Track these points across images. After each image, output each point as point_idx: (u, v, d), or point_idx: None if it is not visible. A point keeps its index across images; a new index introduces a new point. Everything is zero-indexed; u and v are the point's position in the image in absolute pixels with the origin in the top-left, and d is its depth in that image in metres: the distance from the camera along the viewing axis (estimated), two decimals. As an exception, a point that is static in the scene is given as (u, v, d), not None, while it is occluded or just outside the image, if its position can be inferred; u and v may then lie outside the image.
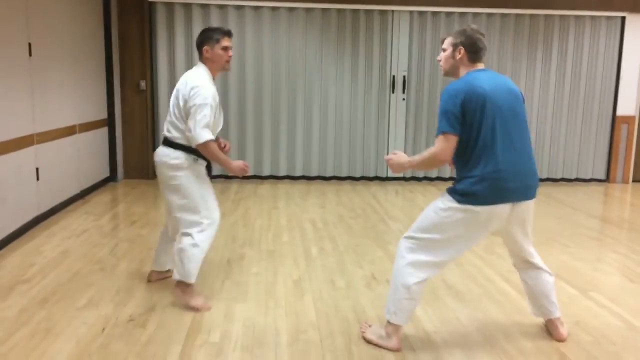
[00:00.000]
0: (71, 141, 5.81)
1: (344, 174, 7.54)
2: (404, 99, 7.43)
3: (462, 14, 7.30)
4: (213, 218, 3.33)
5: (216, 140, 3.37)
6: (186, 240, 3.25)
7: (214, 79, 3.33)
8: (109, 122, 6.95)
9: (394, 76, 7.38)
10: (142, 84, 7.13)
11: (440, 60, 2.85)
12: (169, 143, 3.32)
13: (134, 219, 5.36)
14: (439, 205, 2.76)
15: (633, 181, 7.85)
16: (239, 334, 2.99)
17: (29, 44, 4.82)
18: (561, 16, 7.40)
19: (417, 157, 2.77)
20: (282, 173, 7.49)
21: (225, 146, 3.54)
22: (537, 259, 2.96)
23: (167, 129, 3.33)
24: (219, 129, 3.43)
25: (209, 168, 3.48)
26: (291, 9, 7.19)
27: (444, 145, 2.64)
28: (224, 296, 3.49)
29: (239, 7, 7.14)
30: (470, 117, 2.62)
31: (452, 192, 2.73)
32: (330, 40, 7.28)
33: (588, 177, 7.80)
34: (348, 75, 7.36)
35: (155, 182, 7.15)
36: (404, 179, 7.60)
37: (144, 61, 7.11)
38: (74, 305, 3.30)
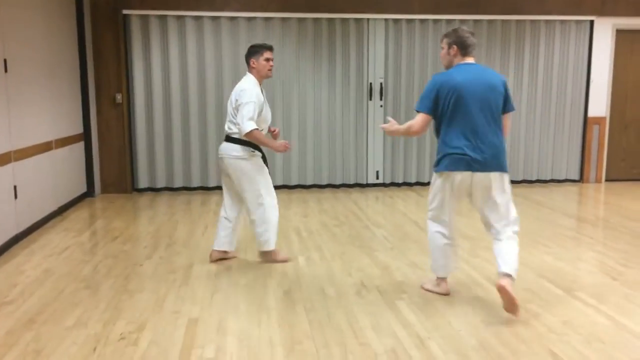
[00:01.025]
0: (48, 157, 5.71)
1: (324, 182, 7.56)
2: (381, 106, 7.49)
3: (435, 21, 7.41)
4: (271, 199, 4.17)
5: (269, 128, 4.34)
6: (253, 217, 4.18)
7: (260, 84, 4.14)
8: (85, 136, 6.85)
9: (371, 83, 7.45)
10: (118, 97, 7.05)
11: (441, 54, 3.56)
12: (230, 139, 4.13)
13: (115, 234, 5.28)
14: (431, 180, 3.62)
15: (606, 180, 8.04)
16: (233, 347, 2.97)
17: (5, 60, 4.73)
18: (532, 21, 7.57)
19: (400, 127, 3.73)
20: (262, 183, 7.46)
21: (275, 130, 4.43)
22: (501, 229, 3.43)
23: (228, 127, 4.14)
24: (269, 120, 4.29)
25: (264, 159, 4.25)
26: (267, 19, 7.20)
27: (417, 120, 3.55)
28: (215, 310, 3.46)
29: (214, 18, 7.12)
30: (442, 102, 3.40)
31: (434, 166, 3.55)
32: (307, 49, 7.31)
33: (562, 177, 7.97)
34: (326, 83, 7.40)
35: (133, 196, 7.09)
36: (383, 184, 7.66)
37: (120, 74, 7.03)
38: (62, 325, 3.24)
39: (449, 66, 3.50)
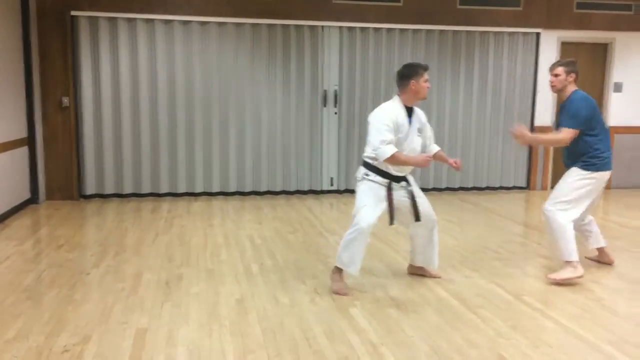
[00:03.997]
0: (-11, 162, 5.46)
1: (278, 189, 7.52)
2: (335, 113, 7.52)
3: (389, 30, 7.50)
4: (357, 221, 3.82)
5: None
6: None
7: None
8: (30, 140, 6.59)
9: (325, 90, 7.46)
10: (65, 100, 6.82)
11: (553, 82, 4.19)
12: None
13: (60, 242, 5.09)
14: (573, 177, 4.14)
15: (551, 188, 8.28)
16: (183, 359, 2.89)
17: (-59, 60, 4.50)
18: (481, 32, 7.76)
19: (541, 136, 4.63)
20: (215, 189, 7.37)
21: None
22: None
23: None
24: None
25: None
26: (221, 24, 7.12)
27: (569, 136, 4.06)
28: (165, 320, 3.37)
29: (167, 22, 7.00)
30: (597, 119, 4.16)
31: (583, 167, 4.13)
32: (262, 55, 7.27)
33: (510, 185, 8.18)
34: (280, 90, 7.37)
35: (80, 203, 6.86)
36: (337, 191, 7.67)
37: (67, 77, 6.81)
38: (2, 337, 3.09)
39: (562, 90, 4.19)
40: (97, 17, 6.83)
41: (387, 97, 8.13)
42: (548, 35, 7.92)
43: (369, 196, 3.83)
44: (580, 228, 4.42)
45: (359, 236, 3.78)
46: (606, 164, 4.14)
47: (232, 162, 7.35)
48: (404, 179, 3.92)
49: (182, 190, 7.29)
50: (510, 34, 7.84)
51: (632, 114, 8.30)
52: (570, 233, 4.09)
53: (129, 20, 6.91)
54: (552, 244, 4.22)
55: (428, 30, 7.61)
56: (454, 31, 7.69)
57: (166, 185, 7.25)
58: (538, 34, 7.89)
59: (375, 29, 7.48)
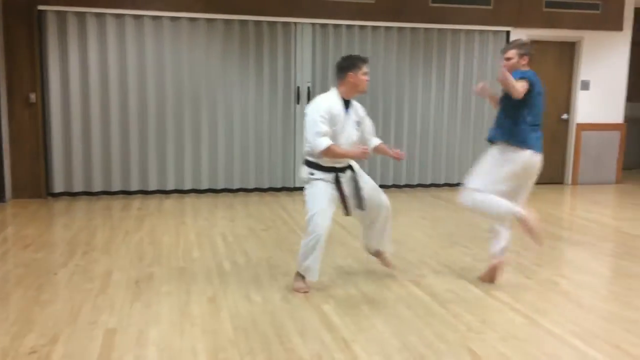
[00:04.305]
0: (-48, 160, 5.32)
1: (251, 186, 7.48)
2: (308, 110, 7.51)
3: (362, 27, 7.53)
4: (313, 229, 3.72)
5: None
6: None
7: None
8: (-5, 137, 6.44)
9: (298, 87, 7.45)
10: (32, 96, 6.68)
11: (505, 66, 3.83)
12: None
13: (27, 242, 4.99)
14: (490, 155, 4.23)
15: (521, 184, 8.43)
16: (153, 358, 2.86)
17: None
18: (453, 30, 7.84)
19: (512, 78, 3.72)
20: (187, 187, 7.30)
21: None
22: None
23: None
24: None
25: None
26: (192, 20, 7.05)
27: (523, 85, 3.72)
28: (135, 319, 3.33)
29: (137, 17, 6.89)
30: (537, 94, 3.87)
31: (506, 142, 4.00)
32: (234, 52, 7.22)
33: (482, 181, 8.28)
34: (253, 86, 7.33)
35: (48, 202, 6.73)
36: (310, 188, 7.66)
37: (34, 72, 6.66)
38: (-35, 340, 3.02)
39: (512, 71, 3.83)
40: (65, 12, 6.70)
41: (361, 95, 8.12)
42: (518, 34, 8.01)
43: (319, 199, 3.74)
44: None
45: (317, 244, 3.72)
46: (529, 141, 3.85)
47: (204, 159, 7.29)
48: (349, 168, 3.86)
49: (153, 187, 7.21)
50: (481, 32, 7.93)
51: (599, 111, 8.49)
52: (490, 196, 3.93)
53: (98, 15, 6.79)
54: (492, 218, 4.03)
55: (400, 28, 7.66)
56: (426, 29, 7.75)
57: (137, 182, 7.16)
58: (508, 32, 8.00)
59: (348, 26, 7.50)
